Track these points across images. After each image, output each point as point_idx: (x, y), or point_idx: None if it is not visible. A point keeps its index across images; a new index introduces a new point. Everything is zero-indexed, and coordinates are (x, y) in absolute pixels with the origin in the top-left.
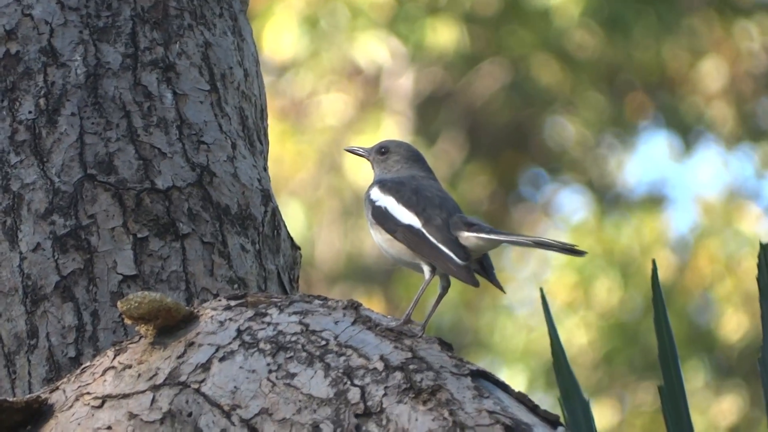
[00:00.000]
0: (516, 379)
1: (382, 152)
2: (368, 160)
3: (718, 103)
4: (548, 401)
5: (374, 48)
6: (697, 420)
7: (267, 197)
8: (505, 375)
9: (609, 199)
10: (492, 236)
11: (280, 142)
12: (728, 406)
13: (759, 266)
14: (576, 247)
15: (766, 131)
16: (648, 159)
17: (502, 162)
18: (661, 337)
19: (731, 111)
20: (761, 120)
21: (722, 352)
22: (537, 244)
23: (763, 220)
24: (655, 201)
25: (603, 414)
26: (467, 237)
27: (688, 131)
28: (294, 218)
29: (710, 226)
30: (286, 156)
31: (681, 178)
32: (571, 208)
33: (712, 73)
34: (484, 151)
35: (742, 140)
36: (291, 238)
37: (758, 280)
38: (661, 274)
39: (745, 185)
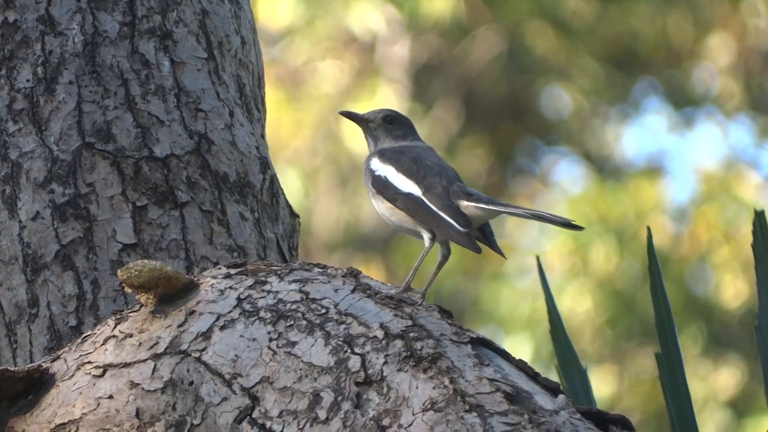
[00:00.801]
0: (521, 348)
1: (388, 120)
2: (363, 126)
3: (724, 78)
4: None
5: (370, 15)
6: (696, 386)
7: (265, 165)
8: (508, 344)
9: (607, 170)
10: (490, 206)
11: (276, 111)
12: (726, 378)
13: (754, 233)
14: (573, 222)
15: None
16: (647, 130)
17: (499, 133)
18: (657, 304)
19: (738, 86)
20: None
21: (720, 319)
22: (535, 216)
23: (762, 189)
24: (653, 171)
25: (604, 381)
26: (466, 206)
27: (688, 104)
28: (291, 186)
29: (708, 194)
30: (283, 124)
31: (680, 150)
32: (569, 178)
33: (719, 48)
34: (481, 120)
35: (742, 110)
36: (290, 206)
37: (753, 247)
38: (659, 242)
39: (744, 154)
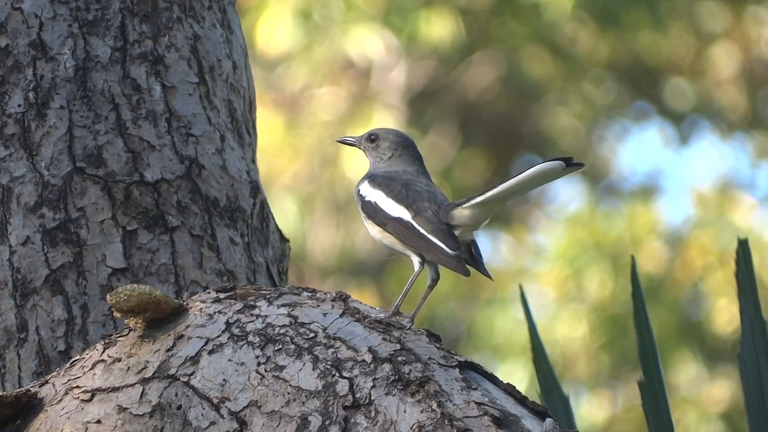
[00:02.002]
0: (516, 375)
1: (372, 140)
2: (360, 148)
3: (729, 89)
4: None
5: (367, 41)
6: (689, 411)
7: (256, 189)
8: (503, 371)
9: (602, 189)
10: (487, 195)
11: (274, 136)
12: (720, 393)
13: (737, 261)
14: (572, 159)
15: (765, 119)
16: (643, 149)
17: (495, 152)
18: (640, 332)
19: (742, 97)
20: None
21: (714, 343)
22: (530, 177)
23: (757, 211)
24: (648, 191)
25: (599, 407)
26: (460, 212)
27: (684, 120)
28: (287, 212)
29: (703, 217)
30: (280, 150)
31: (675, 169)
32: (564, 198)
33: (722, 59)
34: (477, 144)
35: (738, 129)
36: (279, 231)
37: (736, 275)
38: (653, 266)
39: (740, 174)
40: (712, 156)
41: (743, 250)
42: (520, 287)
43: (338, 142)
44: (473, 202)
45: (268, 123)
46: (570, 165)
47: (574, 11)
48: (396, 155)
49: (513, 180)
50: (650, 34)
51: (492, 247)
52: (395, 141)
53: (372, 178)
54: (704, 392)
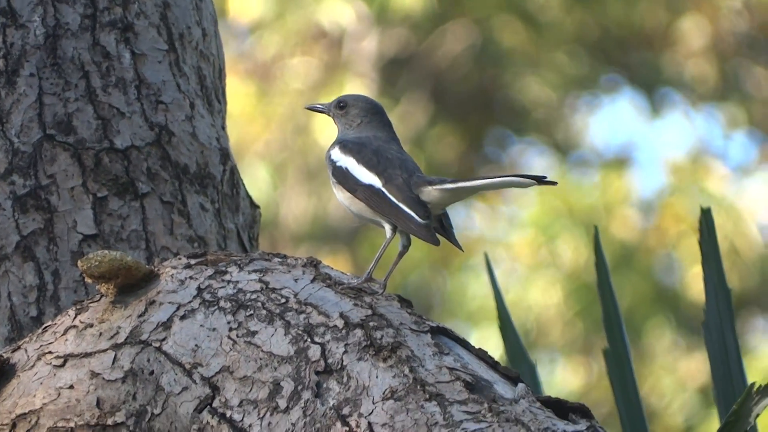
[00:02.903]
0: (490, 341)
1: (340, 106)
2: (329, 115)
3: (698, 61)
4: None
5: (339, 9)
6: (665, 379)
7: (225, 156)
8: (476, 337)
9: (575, 160)
10: (458, 184)
11: (245, 104)
12: (696, 365)
13: (700, 230)
14: (545, 178)
15: (735, 90)
16: (615, 120)
17: (467, 123)
18: (605, 301)
19: (712, 70)
20: (741, 80)
21: (689, 311)
22: (503, 183)
23: (729, 180)
24: (621, 162)
25: (574, 373)
26: (430, 191)
27: (656, 91)
28: (259, 180)
29: (676, 186)
30: (253, 118)
31: (649, 139)
32: (537, 168)
33: (692, 31)
34: (449, 113)
35: (715, 96)
36: (250, 197)
37: (700, 244)
38: (626, 234)
39: (712, 145)
40: (684, 127)
41: (706, 219)
42: (485, 255)
43: (307, 108)
44: (443, 186)
45: (240, 91)
46: (542, 183)
47: None
48: (365, 122)
49: (486, 181)
50: (620, 5)
51: (466, 215)
52: (364, 108)
53: (343, 144)
54: (679, 361)
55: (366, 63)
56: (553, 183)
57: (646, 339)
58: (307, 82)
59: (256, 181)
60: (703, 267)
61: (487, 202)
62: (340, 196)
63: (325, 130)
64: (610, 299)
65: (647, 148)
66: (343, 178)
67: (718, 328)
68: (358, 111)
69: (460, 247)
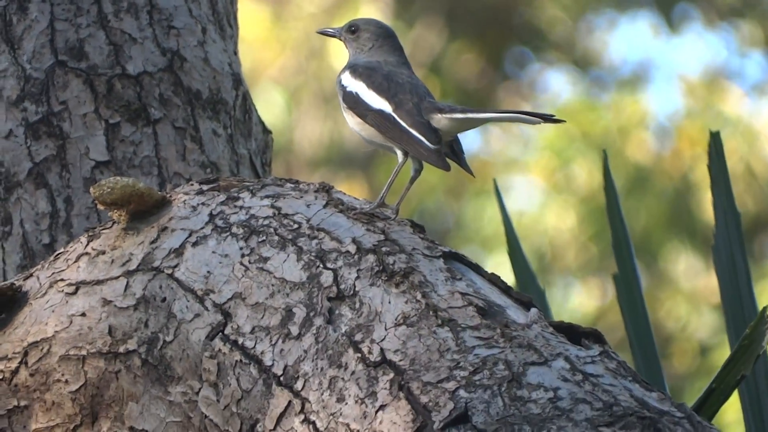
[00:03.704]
0: (506, 265)
1: (352, 30)
2: (340, 39)
3: None
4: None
5: None
6: (680, 302)
7: (238, 81)
8: (491, 262)
9: (591, 80)
10: (468, 115)
11: (259, 29)
12: (712, 288)
13: (709, 154)
14: (553, 116)
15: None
16: (632, 38)
17: (485, 42)
18: (614, 225)
19: None
20: None
21: (704, 233)
22: (512, 118)
23: (746, 100)
24: (637, 82)
25: (589, 296)
26: (440, 119)
27: (674, 8)
28: (274, 105)
29: (692, 108)
30: (266, 42)
31: (664, 58)
32: (556, 88)
33: None
34: (466, 33)
35: (726, 17)
36: (262, 122)
37: (709, 168)
38: (642, 156)
39: (729, 63)
40: (700, 45)
41: (715, 143)
42: (494, 182)
43: (318, 33)
44: (453, 115)
45: (253, 16)
46: (550, 121)
47: None
48: (377, 46)
49: (495, 114)
50: None
51: (481, 138)
52: (376, 32)
53: (353, 68)
54: (695, 283)
55: None
56: (561, 121)
57: (662, 262)
58: (321, 5)
59: (271, 106)
60: (712, 191)
61: (501, 125)
62: (351, 121)
63: (340, 54)
64: (619, 224)
65: (664, 66)
66: (354, 103)
67: (728, 252)
68: (370, 35)
69: (471, 173)
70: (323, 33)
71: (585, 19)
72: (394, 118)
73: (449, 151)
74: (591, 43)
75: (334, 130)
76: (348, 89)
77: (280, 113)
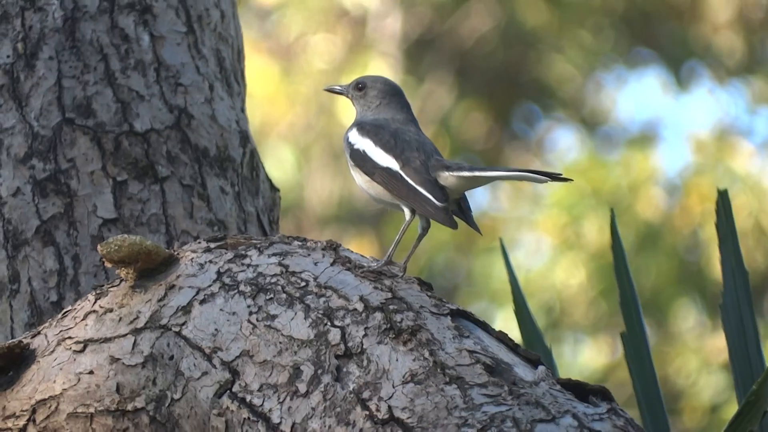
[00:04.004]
0: (513, 322)
1: (359, 88)
2: (347, 97)
3: (725, 34)
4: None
5: None
6: (690, 359)
7: (245, 139)
8: (500, 318)
9: (600, 137)
10: (475, 173)
11: (268, 85)
12: (721, 345)
13: (717, 212)
14: (560, 175)
15: (763, 64)
16: (641, 95)
17: (493, 100)
18: (621, 284)
19: (739, 42)
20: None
21: (714, 290)
22: (520, 177)
23: (755, 157)
24: (646, 139)
25: (599, 353)
26: (447, 177)
27: (682, 65)
28: (284, 161)
29: (701, 164)
30: (276, 99)
31: (673, 115)
32: (564, 145)
33: (719, 3)
34: (475, 90)
35: (735, 74)
36: (270, 180)
37: (717, 226)
38: (651, 213)
39: (738, 121)
40: (710, 102)
41: (723, 200)
42: (500, 240)
43: (326, 90)
44: (461, 173)
45: (263, 71)
46: (557, 180)
47: None
48: (384, 103)
49: (502, 172)
50: None
51: (491, 194)
52: (383, 89)
53: (361, 125)
54: (704, 340)
55: (390, 42)
56: (569, 180)
57: (672, 319)
58: (331, 61)
59: (281, 162)
60: (720, 249)
61: (511, 182)
62: (359, 179)
63: (349, 111)
64: (627, 283)
65: (673, 124)
66: (361, 160)
67: (735, 310)
68: (377, 92)
69: (478, 230)
70: (330, 90)
71: (594, 77)
72: (401, 175)
73: (457, 209)
74: (599, 101)
75: (344, 187)
76: (355, 147)
77: (289, 170)
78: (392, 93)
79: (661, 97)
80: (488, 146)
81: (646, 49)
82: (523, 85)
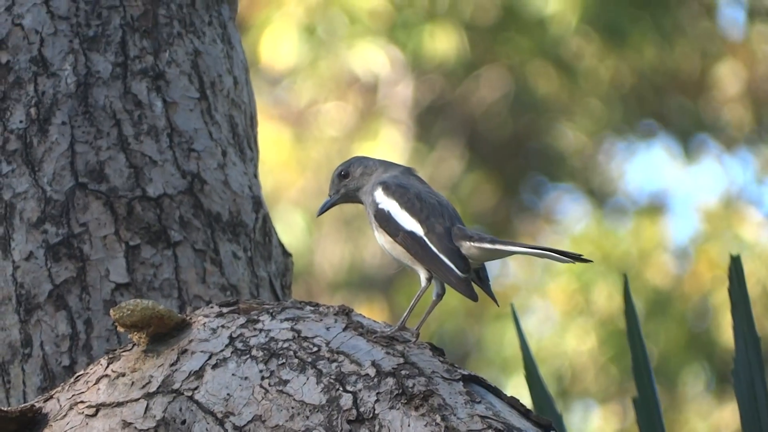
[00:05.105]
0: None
1: (343, 175)
2: (339, 197)
3: (734, 106)
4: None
5: (372, 56)
6: (698, 426)
7: (258, 204)
8: (512, 385)
9: (610, 207)
10: (496, 246)
11: (280, 151)
12: (730, 412)
13: (730, 278)
14: (581, 256)
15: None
16: (650, 166)
17: (503, 170)
18: (634, 349)
19: (748, 114)
20: None
21: (724, 357)
22: (541, 254)
23: (764, 227)
24: (655, 208)
25: (608, 420)
26: (469, 247)
27: (691, 137)
28: (295, 227)
29: (710, 232)
30: (286, 164)
31: (683, 185)
32: (573, 215)
33: (728, 77)
34: (484, 159)
35: (744, 145)
36: (282, 245)
37: (729, 292)
38: (661, 280)
39: (746, 190)
40: (718, 173)
41: (735, 266)
42: (512, 306)
43: (319, 215)
44: (482, 245)
45: (274, 138)
46: (578, 259)
47: (579, 26)
48: (377, 165)
49: (524, 249)
50: (655, 50)
51: (501, 261)
52: (364, 162)
53: (386, 185)
54: (713, 407)
55: (401, 109)
56: (588, 261)
57: (681, 385)
58: (342, 128)
59: (291, 228)
60: (732, 315)
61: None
62: (381, 239)
63: None
64: (639, 348)
65: (682, 194)
66: (386, 221)
67: (747, 376)
68: (362, 168)
69: (495, 301)
70: (323, 210)
71: (603, 148)
72: (425, 241)
73: (475, 277)
74: (608, 171)
75: (355, 252)
76: (380, 206)
77: (300, 235)
78: (377, 161)
79: (669, 168)
80: (497, 218)
81: (655, 121)
82: (533, 155)
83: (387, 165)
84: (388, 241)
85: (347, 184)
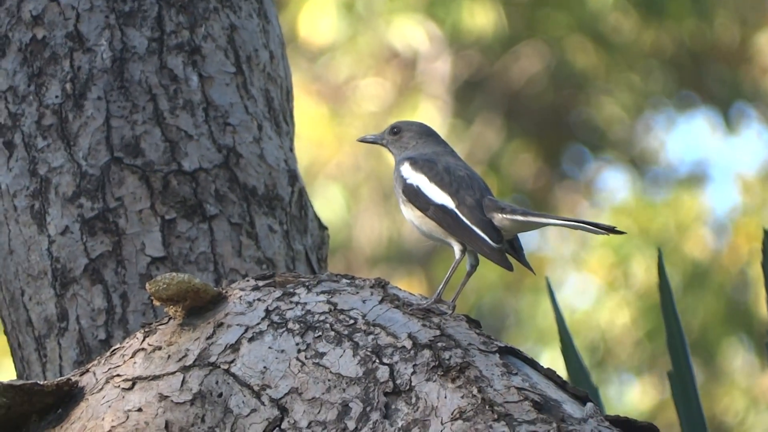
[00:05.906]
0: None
1: (394, 132)
2: (382, 144)
3: None
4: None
5: (410, 31)
6: (738, 398)
7: (294, 177)
8: (547, 357)
9: (649, 179)
10: (528, 218)
11: (317, 126)
12: None
13: (764, 251)
14: (615, 228)
15: None
16: (689, 138)
17: (543, 141)
18: (669, 323)
19: None
20: None
21: (761, 330)
22: (573, 225)
23: None
24: (694, 180)
25: (645, 393)
26: (501, 219)
27: (731, 107)
28: (333, 202)
29: (749, 204)
30: (325, 140)
31: (721, 157)
32: (613, 186)
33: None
34: (524, 132)
35: None
36: (318, 218)
37: (763, 265)
38: (699, 253)
39: None
40: (758, 143)
41: None
42: (547, 279)
43: (359, 141)
44: (514, 217)
45: (312, 113)
46: (612, 231)
47: (617, 1)
48: (420, 142)
49: (556, 220)
50: (694, 22)
51: (540, 234)
52: (418, 130)
53: (413, 160)
54: (752, 379)
55: (439, 85)
56: (622, 233)
57: (720, 358)
58: (380, 104)
59: (329, 202)
60: (766, 288)
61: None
62: (410, 214)
63: None
64: (674, 323)
65: (721, 165)
66: (414, 196)
67: None
68: (412, 134)
69: (531, 269)
70: (363, 140)
71: (642, 119)
72: (456, 214)
73: (509, 248)
74: (648, 142)
75: (393, 227)
76: (408, 181)
77: (338, 210)
78: (427, 133)
79: (709, 139)
80: (537, 186)
81: (694, 92)
82: (573, 127)
83: (427, 146)
84: (418, 215)
85: (390, 139)
